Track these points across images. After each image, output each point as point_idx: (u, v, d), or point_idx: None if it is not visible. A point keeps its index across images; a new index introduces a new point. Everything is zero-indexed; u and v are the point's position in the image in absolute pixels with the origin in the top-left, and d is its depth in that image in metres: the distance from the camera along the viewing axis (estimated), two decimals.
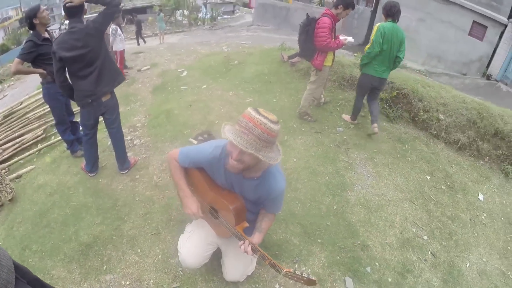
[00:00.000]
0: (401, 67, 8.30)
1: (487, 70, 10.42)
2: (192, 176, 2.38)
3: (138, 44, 15.12)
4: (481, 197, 4.46)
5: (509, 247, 3.97)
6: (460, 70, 10.44)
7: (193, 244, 2.53)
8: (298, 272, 2.01)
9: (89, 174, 4.04)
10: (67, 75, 3.37)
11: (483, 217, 4.21)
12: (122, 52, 7.43)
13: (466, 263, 3.61)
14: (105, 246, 3.18)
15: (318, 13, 5.10)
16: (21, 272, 1.70)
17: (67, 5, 3.11)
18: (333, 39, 4.62)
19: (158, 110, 5.59)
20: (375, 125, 4.77)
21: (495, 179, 4.85)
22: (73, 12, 3.19)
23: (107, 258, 3.07)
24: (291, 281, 2.90)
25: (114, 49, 7.33)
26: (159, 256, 3.08)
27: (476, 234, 3.96)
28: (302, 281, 2.05)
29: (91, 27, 3.19)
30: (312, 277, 2.01)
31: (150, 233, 3.30)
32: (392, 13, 4.40)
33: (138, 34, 16.24)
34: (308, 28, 4.65)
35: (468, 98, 5.61)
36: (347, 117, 5.38)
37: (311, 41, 4.67)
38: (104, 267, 2.99)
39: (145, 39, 16.59)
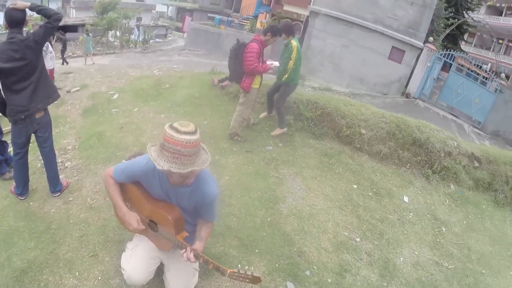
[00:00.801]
0: (326, 90, 9.10)
1: (406, 89, 11.68)
2: (128, 191, 2.51)
3: (63, 64, 14.80)
4: (406, 199, 5.02)
5: (438, 239, 4.51)
6: (381, 91, 11.59)
7: (137, 259, 2.58)
8: (242, 272, 2.19)
9: (19, 197, 3.89)
10: (0, 88, 3.37)
11: (410, 216, 4.75)
12: (51, 71, 7.26)
13: (400, 258, 4.06)
14: (41, 271, 3.11)
15: (248, 39, 5.62)
16: None
17: (10, 6, 3.18)
18: (260, 63, 5.13)
19: (89, 132, 5.61)
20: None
21: (417, 182, 5.47)
22: (14, 22, 3.22)
23: (44, 284, 3.01)
24: (238, 285, 3.14)
25: None
26: (99, 278, 3.08)
27: (405, 232, 4.46)
28: (247, 280, 2.23)
29: (31, 39, 3.23)
30: (256, 274, 2.20)
31: (88, 255, 3.28)
32: (293, 31, 5.43)
33: (62, 53, 15.91)
34: (238, 52, 5.18)
35: (387, 113, 6.26)
36: (277, 131, 5.93)
37: (240, 64, 5.14)
38: None
39: (76, 59, 16.24)
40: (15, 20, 3.24)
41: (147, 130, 5.60)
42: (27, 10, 3.29)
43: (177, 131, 1.95)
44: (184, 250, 2.28)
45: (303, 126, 6.10)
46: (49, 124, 3.74)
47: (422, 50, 11.65)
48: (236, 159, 5.14)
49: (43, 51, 6.95)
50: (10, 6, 3.22)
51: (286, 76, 5.46)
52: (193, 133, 1.99)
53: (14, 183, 3.94)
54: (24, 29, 3.40)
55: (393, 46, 11.77)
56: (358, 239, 4.13)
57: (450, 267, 4.17)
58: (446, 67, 12.07)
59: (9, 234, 3.49)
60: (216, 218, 2.62)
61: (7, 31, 3.36)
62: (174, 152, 1.94)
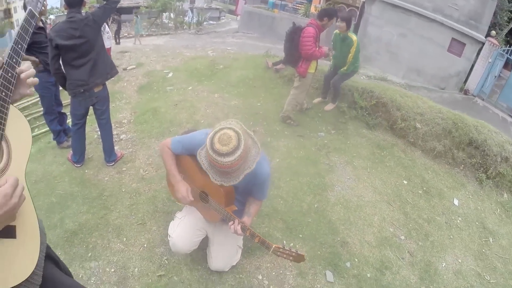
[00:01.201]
0: (381, 79, 8.82)
1: (464, 85, 11.06)
2: (183, 163, 2.57)
3: (117, 43, 15.31)
4: (456, 202, 4.83)
5: (483, 250, 4.30)
6: (438, 85, 11.04)
7: (184, 229, 2.71)
8: (287, 248, 2.22)
9: (75, 164, 4.16)
10: (61, 63, 3.56)
11: (458, 221, 4.56)
12: (108, 50, 7.58)
13: (442, 263, 3.91)
14: (90, 234, 3.29)
15: (303, 23, 5.48)
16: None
17: None
18: (317, 48, 5.01)
19: (144, 108, 5.76)
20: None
21: (469, 186, 5.24)
22: (74, 2, 3.40)
23: (92, 246, 3.18)
24: (278, 268, 3.18)
25: None
26: (145, 245, 3.23)
27: (451, 237, 4.30)
28: (291, 257, 2.26)
29: (90, 19, 3.40)
30: (301, 252, 2.21)
31: (136, 223, 3.44)
32: (351, 23, 5.60)
33: (117, 33, 16.62)
34: (294, 36, 5.04)
35: (444, 109, 6.01)
36: (330, 106, 6.09)
37: (296, 48, 5.05)
38: (89, 254, 3.10)
39: (131, 39, 16.89)
40: (75, 1, 3.41)
41: (200, 108, 5.67)
42: None
43: (219, 154, 1.97)
44: (232, 222, 2.34)
45: (356, 115, 5.99)
46: (107, 98, 3.95)
47: (483, 44, 10.94)
48: (288, 143, 5.12)
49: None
50: None
51: (345, 68, 5.61)
52: (235, 150, 1.98)
53: (71, 151, 4.19)
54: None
55: (452, 38, 11.08)
56: (402, 237, 4.03)
57: (491, 281, 3.98)
58: (509, 65, 11.24)
59: (63, 198, 3.70)
60: (266, 198, 2.64)
61: (66, 11, 3.53)
62: (222, 171, 2.05)
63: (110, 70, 3.80)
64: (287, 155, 4.83)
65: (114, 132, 4.82)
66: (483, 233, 4.56)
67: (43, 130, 4.93)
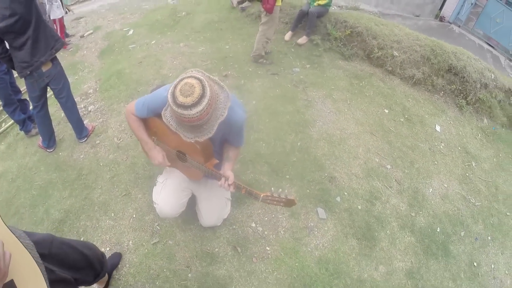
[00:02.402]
0: (354, 9, 8.52)
1: (440, 12, 10.83)
2: (153, 125, 2.35)
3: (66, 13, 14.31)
4: (438, 128, 4.77)
5: (467, 174, 4.33)
6: (413, 12, 10.76)
7: (168, 193, 2.57)
8: (276, 195, 2.06)
9: (47, 150, 3.94)
10: (7, 46, 3.19)
11: (441, 147, 4.53)
12: (61, 20, 6.96)
13: (429, 189, 3.92)
14: (78, 218, 3.20)
15: None
16: (46, 246, 1.77)
17: None
18: None
19: (108, 72, 5.40)
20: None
21: (450, 112, 5.18)
22: None
23: (83, 229, 3.10)
24: (270, 212, 3.12)
25: (52, 18, 6.87)
26: (134, 216, 3.16)
27: (436, 162, 4.28)
28: (282, 203, 2.11)
29: None
30: (291, 197, 2.05)
31: (120, 195, 3.34)
32: None
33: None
34: None
35: (422, 35, 5.80)
36: (303, 39, 5.87)
37: None
38: (82, 238, 3.01)
39: (84, 3, 15.71)
40: None
41: (166, 61, 5.35)
42: None
43: (184, 107, 1.70)
44: (221, 181, 2.16)
45: (331, 47, 5.75)
46: (60, 74, 3.55)
47: None
48: (262, 83, 4.88)
49: (48, 2, 6.68)
50: None
51: (324, 2, 5.67)
52: (201, 99, 1.71)
53: (40, 137, 3.95)
54: None
55: None
56: (388, 166, 3.97)
57: (476, 204, 4.04)
58: None
59: (43, 188, 3.56)
60: (244, 143, 2.44)
61: None
62: (193, 127, 1.81)
63: (55, 44, 3.36)
64: (263, 96, 4.61)
65: (81, 105, 4.58)
66: (466, 158, 4.57)
67: (9, 124, 4.60)
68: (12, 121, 4.39)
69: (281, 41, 5.92)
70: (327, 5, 5.85)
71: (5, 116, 4.70)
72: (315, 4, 5.77)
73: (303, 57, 5.61)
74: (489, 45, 9.57)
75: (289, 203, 2.11)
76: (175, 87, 1.74)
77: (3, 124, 4.80)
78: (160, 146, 2.38)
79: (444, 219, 3.70)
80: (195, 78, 1.74)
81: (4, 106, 4.07)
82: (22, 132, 4.31)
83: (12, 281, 1.19)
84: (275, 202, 2.13)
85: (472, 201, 4.05)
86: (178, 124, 1.85)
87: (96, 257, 2.24)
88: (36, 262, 1.33)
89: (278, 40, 5.97)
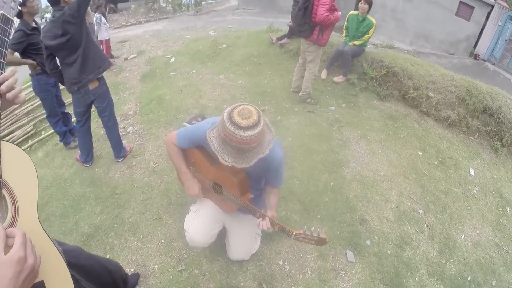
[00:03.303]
0: (388, 47, 8.52)
1: (474, 49, 10.63)
2: (191, 156, 2.42)
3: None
4: (472, 172, 4.66)
5: (501, 220, 4.18)
6: (447, 50, 10.65)
7: (200, 222, 2.58)
8: (308, 233, 2.08)
9: (84, 164, 4.07)
10: (58, 62, 3.43)
11: (475, 191, 4.41)
12: (108, 41, 7.41)
13: (461, 235, 3.80)
14: (106, 234, 3.23)
15: None
16: (75, 255, 1.82)
17: None
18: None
19: (149, 97, 5.60)
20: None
21: (485, 154, 5.05)
22: (51, 1, 3.22)
23: (110, 247, 3.12)
24: (299, 252, 3.11)
25: (99, 38, 7.31)
26: (162, 241, 3.16)
27: (469, 208, 4.16)
28: (313, 242, 2.13)
29: (66, 13, 3.18)
30: (323, 236, 2.07)
31: (151, 219, 3.37)
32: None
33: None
34: (308, 4, 4.67)
35: (457, 76, 5.75)
36: (340, 78, 5.96)
37: (310, 17, 4.73)
38: (108, 256, 3.04)
39: (130, 27, 16.40)
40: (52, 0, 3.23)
41: (206, 92, 5.50)
42: None
43: (239, 127, 1.74)
44: (260, 219, 2.19)
45: (367, 86, 5.78)
46: (105, 94, 3.77)
47: (493, 7, 10.46)
48: (299, 120, 4.94)
49: (96, 24, 7.13)
50: None
51: (358, 42, 5.75)
52: (256, 125, 1.77)
53: (79, 151, 4.10)
54: None
55: (460, 1, 10.61)
56: (420, 211, 3.90)
57: (510, 251, 3.87)
58: None
59: (76, 200, 3.64)
60: (283, 183, 2.47)
61: None
62: (238, 148, 1.80)
63: (102, 64, 3.59)
64: (299, 133, 4.66)
65: (121, 126, 4.73)
66: (500, 203, 4.42)
67: (49, 132, 4.84)
68: (52, 131, 4.59)
69: (317, 79, 5.95)
70: (363, 45, 5.92)
71: (46, 124, 4.91)
72: (351, 44, 5.84)
73: (339, 95, 5.66)
74: None
75: (320, 241, 2.13)
76: (233, 109, 1.81)
77: (43, 132, 5.06)
78: (197, 177, 2.43)
79: (475, 267, 3.56)
80: (253, 107, 1.82)
81: (48, 116, 4.29)
82: (61, 144, 4.47)
83: (42, 282, 1.18)
84: (306, 240, 2.14)
85: (505, 248, 3.88)
86: (221, 145, 1.87)
87: (120, 276, 2.31)
88: None
89: None
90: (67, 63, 3.39)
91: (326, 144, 4.49)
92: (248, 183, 2.32)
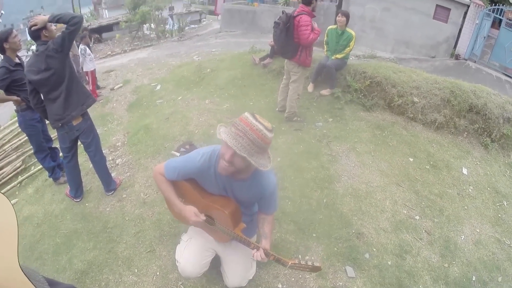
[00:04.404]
0: (370, 57, 8.60)
1: (454, 50, 10.69)
2: (180, 188, 2.37)
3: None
4: (465, 171, 4.64)
5: (500, 215, 4.16)
6: (428, 53, 10.71)
7: (191, 252, 2.53)
8: (303, 262, 2.07)
9: (74, 199, 4.02)
10: (41, 97, 3.41)
11: (470, 190, 4.40)
12: (93, 72, 7.44)
13: (461, 236, 3.77)
14: (101, 270, 3.16)
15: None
16: None
17: (32, 28, 3.11)
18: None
19: (136, 126, 5.60)
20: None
21: (476, 152, 5.06)
22: (33, 36, 3.21)
23: (105, 283, 3.05)
24: (297, 273, 3.05)
25: (84, 70, 7.35)
26: (157, 273, 3.10)
27: (466, 207, 4.14)
28: (308, 269, 2.12)
29: (50, 48, 3.17)
30: (317, 264, 2.07)
31: (145, 251, 3.31)
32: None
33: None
34: (289, 25, 4.69)
35: (440, 78, 5.78)
36: (326, 91, 6.02)
37: (292, 38, 4.75)
38: None
39: (115, 56, 16.46)
40: (33, 35, 3.21)
41: (193, 118, 5.50)
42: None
43: (255, 118, 1.84)
44: (255, 251, 2.16)
45: (352, 98, 5.79)
46: (90, 129, 3.72)
47: (468, 6, 10.58)
48: (286, 139, 4.94)
49: (81, 55, 7.19)
50: (32, 29, 3.15)
51: (342, 56, 5.82)
52: (268, 128, 1.84)
53: (68, 186, 4.04)
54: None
55: (437, 5, 10.69)
56: (417, 217, 3.87)
57: None
58: (496, 24, 10.92)
59: (68, 237, 3.60)
60: (277, 209, 2.43)
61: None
62: (240, 130, 1.81)
63: (85, 100, 3.55)
64: (288, 152, 4.65)
65: (110, 158, 4.71)
66: (497, 198, 4.41)
67: (39, 167, 4.82)
68: (41, 166, 4.53)
69: (304, 93, 5.95)
70: (345, 58, 5.97)
71: (35, 159, 4.88)
72: (333, 57, 5.89)
73: (325, 110, 5.67)
74: (507, 75, 9.33)
75: (315, 269, 2.12)
76: (253, 113, 1.87)
77: (33, 167, 5.02)
78: None
79: (479, 266, 3.52)
80: None
81: (36, 152, 4.26)
82: (51, 179, 4.42)
83: None
84: (301, 269, 2.14)
85: (507, 242, 3.86)
86: (231, 133, 1.84)
87: None
88: None
89: None
90: (50, 98, 3.35)
91: (316, 161, 4.48)
92: (240, 213, 2.30)
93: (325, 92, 6.02)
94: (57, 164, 4.43)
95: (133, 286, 3.02)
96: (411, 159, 4.68)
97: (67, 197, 4.10)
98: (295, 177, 4.20)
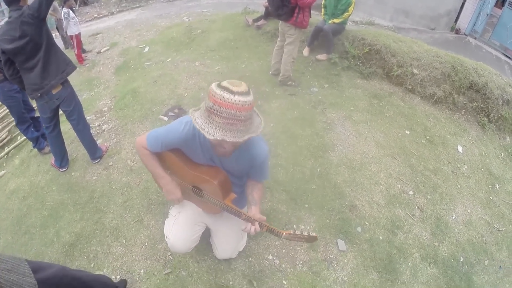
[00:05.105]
0: (369, 24, 8.40)
1: (455, 24, 10.58)
2: (166, 160, 2.24)
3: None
4: (460, 149, 4.61)
5: (491, 197, 4.15)
6: (428, 25, 10.55)
7: (180, 227, 2.45)
8: (298, 232, 1.98)
9: (60, 169, 3.92)
10: (17, 67, 3.18)
11: (464, 169, 4.36)
12: (78, 36, 7.09)
13: (452, 215, 3.76)
14: (89, 242, 3.13)
15: None
16: (54, 283, 1.77)
17: None
18: None
19: (124, 90, 5.40)
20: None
21: (472, 131, 5.01)
22: (7, 1, 2.96)
23: (93, 255, 3.03)
24: (288, 245, 3.01)
25: (69, 34, 7.05)
26: (146, 244, 3.07)
27: (459, 186, 4.11)
28: (303, 240, 2.03)
29: (25, 14, 2.92)
30: (313, 234, 1.98)
31: (133, 221, 3.27)
32: None
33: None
34: None
35: (441, 52, 5.66)
36: (323, 56, 5.84)
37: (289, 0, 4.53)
38: (92, 265, 2.96)
39: (102, 19, 15.84)
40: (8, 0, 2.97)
41: (182, 81, 5.31)
42: None
43: (229, 91, 1.56)
44: (249, 225, 2.03)
45: (349, 65, 5.65)
46: (71, 97, 3.52)
47: None
48: (280, 104, 4.80)
49: (64, 19, 6.83)
50: None
51: (339, 21, 5.61)
52: (248, 93, 1.60)
53: (53, 156, 3.93)
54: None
55: None
56: (411, 192, 3.83)
57: (501, 229, 3.86)
58: (499, 3, 10.77)
59: (55, 209, 3.52)
60: (268, 178, 2.30)
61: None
62: (227, 117, 1.58)
63: (65, 68, 3.33)
64: (281, 118, 4.52)
65: (96, 124, 4.59)
66: (489, 180, 4.40)
67: (24, 138, 4.63)
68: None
69: (299, 57, 5.80)
70: (343, 23, 5.79)
71: None
72: (330, 22, 5.70)
73: (321, 76, 5.52)
74: (507, 56, 9.32)
75: (310, 239, 2.04)
76: (218, 84, 1.62)
77: (19, 137, 4.85)
78: (174, 180, 2.27)
79: (467, 248, 3.54)
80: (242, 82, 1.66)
81: (17, 123, 4.10)
82: (36, 149, 4.31)
83: None
84: (296, 239, 2.05)
85: (496, 226, 3.87)
86: (207, 120, 1.64)
87: None
88: None
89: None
90: (27, 68, 3.12)
91: (310, 128, 4.36)
92: (230, 183, 2.16)
93: (321, 57, 5.85)
94: (41, 134, 4.26)
95: (121, 257, 2.99)
96: (408, 132, 4.61)
97: (52, 167, 3.99)
98: (288, 144, 4.09)
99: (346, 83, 5.37)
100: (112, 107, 4.98)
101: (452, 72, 5.20)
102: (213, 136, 1.60)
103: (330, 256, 3.05)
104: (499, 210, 4.06)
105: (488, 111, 5.13)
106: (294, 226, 1.99)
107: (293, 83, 5.19)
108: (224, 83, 1.60)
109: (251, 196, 2.19)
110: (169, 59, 6.25)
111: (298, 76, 5.45)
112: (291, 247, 3.04)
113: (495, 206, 4.08)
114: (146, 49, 7.04)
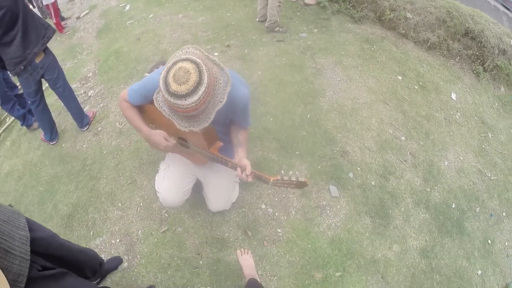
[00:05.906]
0: None
1: None
2: (148, 113, 2.22)
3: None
4: (453, 96, 4.60)
5: (483, 146, 4.20)
6: None
7: (171, 180, 2.48)
8: (286, 178, 1.93)
9: (50, 143, 3.88)
10: None
11: (457, 116, 4.38)
12: (54, 4, 6.68)
13: (444, 162, 3.80)
14: (86, 210, 3.19)
15: None
16: (44, 244, 1.79)
17: None
18: None
19: (107, 53, 5.21)
20: None
21: (466, 79, 4.98)
22: None
23: (92, 223, 3.10)
24: (280, 193, 3.08)
25: (44, 3, 6.63)
26: (141, 204, 3.14)
27: (451, 133, 4.14)
28: (293, 185, 2.00)
29: None
30: (302, 179, 1.93)
31: (126, 183, 3.31)
32: None
33: None
34: None
35: None
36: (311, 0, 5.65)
37: None
38: (91, 232, 3.03)
39: None
40: None
41: (165, 35, 5.11)
42: None
43: (178, 96, 1.56)
44: (238, 171, 2.03)
45: (339, 9, 5.48)
46: (54, 63, 3.39)
47: None
48: (268, 51, 4.67)
49: None
50: None
51: None
52: (197, 87, 1.55)
53: (42, 131, 3.89)
54: None
55: None
56: (403, 138, 3.84)
57: (492, 178, 3.94)
58: None
59: (50, 183, 3.55)
60: (251, 123, 2.29)
61: None
62: (186, 117, 1.68)
63: (46, 33, 3.16)
64: (269, 65, 4.41)
65: (81, 91, 4.49)
66: (482, 128, 4.44)
67: (12, 118, 4.57)
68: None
69: (285, 5, 5.56)
70: None
71: None
72: None
73: (310, 21, 5.35)
74: (505, 7, 9.17)
75: (300, 185, 1.99)
76: (168, 71, 1.58)
77: (8, 118, 4.76)
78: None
79: (459, 195, 3.62)
80: (191, 61, 1.57)
81: (2, 104, 3.96)
82: (25, 127, 4.25)
83: None
84: (285, 185, 2.01)
85: (488, 175, 3.94)
86: (171, 111, 1.73)
87: (90, 265, 2.35)
88: (23, 257, 1.42)
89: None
90: (5, 42, 2.94)
91: (299, 74, 4.28)
92: (215, 132, 2.13)
93: (310, 1, 5.65)
94: (27, 110, 4.15)
95: (119, 221, 3.08)
96: (400, 77, 4.56)
97: (43, 142, 3.95)
98: (277, 91, 4.02)
99: (336, 27, 5.24)
100: (97, 71, 4.85)
101: (447, 17, 5.09)
102: (183, 127, 1.71)
103: (323, 203, 3.09)
104: (491, 159, 4.12)
105: (484, 59, 5.08)
106: (282, 171, 1.93)
107: (280, 29, 5.03)
108: (172, 83, 1.57)
109: (236, 139, 2.19)
110: (151, 15, 6.00)
111: (286, 21, 5.29)
112: (283, 195, 3.07)
113: (487, 155, 4.14)
114: (127, 8, 6.73)
